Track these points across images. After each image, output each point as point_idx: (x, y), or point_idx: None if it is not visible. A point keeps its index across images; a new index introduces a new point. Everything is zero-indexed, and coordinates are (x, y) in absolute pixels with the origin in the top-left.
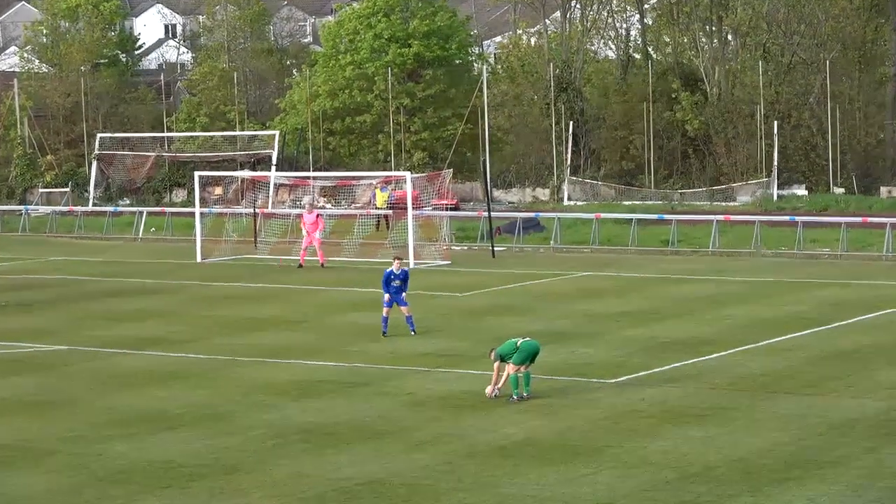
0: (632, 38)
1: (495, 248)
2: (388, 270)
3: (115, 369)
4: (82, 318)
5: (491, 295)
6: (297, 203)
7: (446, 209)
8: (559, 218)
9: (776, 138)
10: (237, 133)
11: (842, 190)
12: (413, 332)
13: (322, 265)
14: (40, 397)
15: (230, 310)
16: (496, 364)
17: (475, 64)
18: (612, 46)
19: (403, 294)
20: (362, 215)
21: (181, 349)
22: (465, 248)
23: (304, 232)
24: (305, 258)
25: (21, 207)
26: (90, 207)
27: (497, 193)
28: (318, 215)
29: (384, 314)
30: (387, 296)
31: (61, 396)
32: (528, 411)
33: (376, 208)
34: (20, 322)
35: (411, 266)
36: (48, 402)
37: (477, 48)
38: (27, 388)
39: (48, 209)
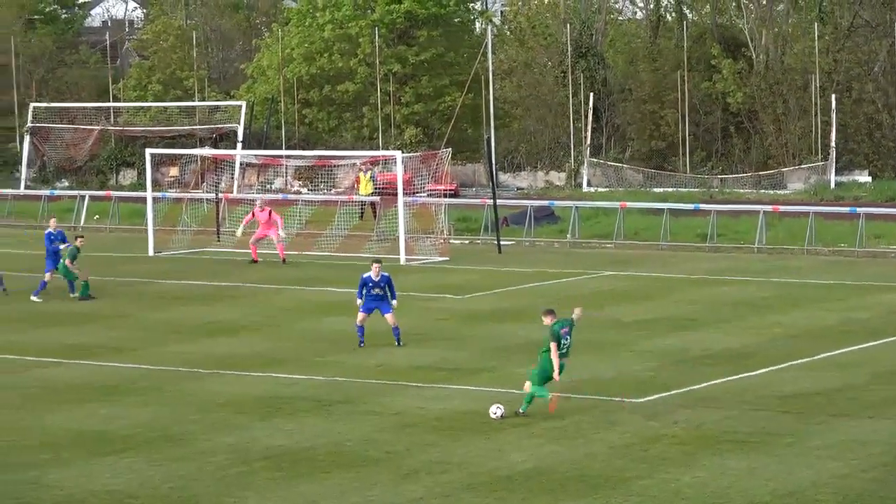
0: None
1: (501, 243)
2: (364, 276)
3: (48, 382)
4: (9, 321)
5: (496, 297)
6: (268, 187)
7: (444, 195)
8: (577, 207)
9: (834, 115)
10: (196, 104)
11: None
12: (399, 345)
13: (283, 260)
14: None
15: (186, 312)
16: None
17: (477, 23)
18: (640, 4)
19: (392, 302)
20: (344, 202)
21: (127, 358)
22: (466, 241)
23: (243, 225)
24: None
25: None
26: (22, 190)
27: (504, 177)
28: (271, 213)
29: (358, 322)
30: (359, 301)
31: None
32: (539, 436)
33: (359, 194)
34: None
35: (402, 262)
36: None
37: (479, 4)
38: None
39: None
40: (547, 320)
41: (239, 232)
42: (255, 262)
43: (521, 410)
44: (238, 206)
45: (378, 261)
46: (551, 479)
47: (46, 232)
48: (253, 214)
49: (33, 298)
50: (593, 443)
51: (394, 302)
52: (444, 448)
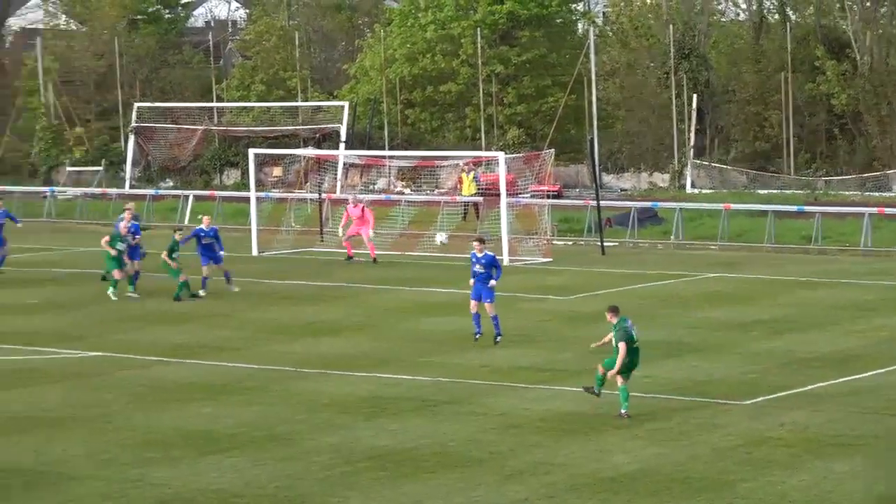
0: None
1: (605, 244)
2: (471, 253)
3: (153, 381)
4: (116, 319)
5: (599, 299)
6: (371, 187)
7: (547, 196)
8: (681, 208)
9: None
10: (299, 104)
11: None
12: (497, 338)
13: (374, 260)
14: (65, 412)
15: (290, 312)
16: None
17: (580, 24)
18: (743, 6)
19: (492, 283)
20: (447, 203)
21: (232, 358)
22: (570, 242)
23: (342, 227)
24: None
25: (46, 189)
26: (126, 190)
27: (607, 178)
28: (363, 208)
29: (472, 310)
30: (471, 281)
31: (90, 412)
32: (643, 437)
33: (462, 195)
34: (43, 323)
35: (505, 263)
36: (74, 417)
37: (582, 5)
38: (49, 402)
39: (77, 191)
40: (611, 317)
41: (340, 232)
42: (351, 258)
43: (623, 412)
44: (341, 206)
45: (481, 240)
46: (655, 480)
47: (197, 229)
48: (347, 213)
49: (201, 293)
50: (697, 445)
51: (493, 282)
52: (547, 449)
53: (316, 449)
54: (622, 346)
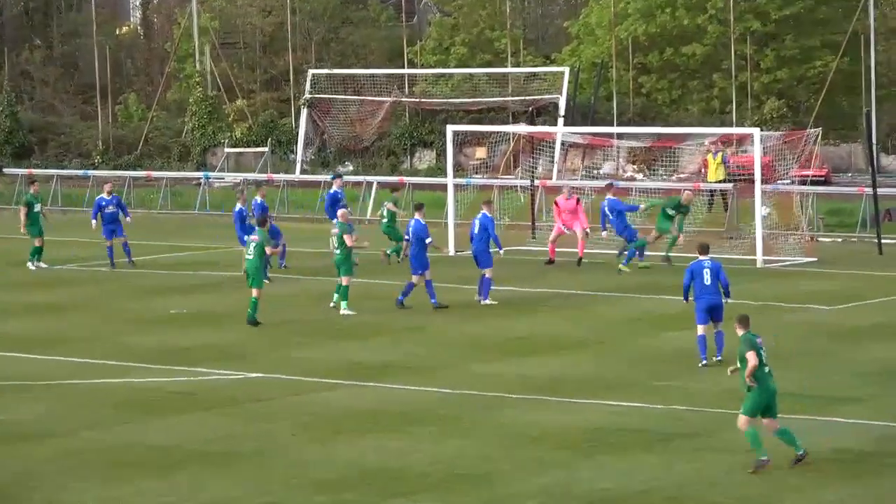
0: None
1: (883, 241)
2: (699, 261)
3: (326, 407)
4: (283, 333)
5: (874, 309)
6: (594, 172)
7: (812, 183)
8: None
9: None
10: (509, 70)
11: None
12: (718, 358)
13: (579, 261)
14: (219, 445)
15: (494, 324)
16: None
17: None
18: None
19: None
20: (689, 191)
21: (422, 380)
22: (839, 239)
23: (556, 222)
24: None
25: (199, 175)
26: (297, 175)
27: (886, 161)
28: (578, 201)
29: (699, 332)
30: (686, 300)
31: (249, 444)
32: None
33: (707, 181)
34: (198, 338)
35: (759, 264)
36: (230, 452)
37: None
38: (202, 433)
39: (237, 177)
40: (738, 329)
41: (562, 229)
42: (553, 261)
43: (799, 454)
44: (554, 195)
45: (703, 250)
46: None
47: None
48: (557, 206)
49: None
50: None
51: (727, 300)
52: (809, 496)
53: (523, 492)
54: (750, 355)
